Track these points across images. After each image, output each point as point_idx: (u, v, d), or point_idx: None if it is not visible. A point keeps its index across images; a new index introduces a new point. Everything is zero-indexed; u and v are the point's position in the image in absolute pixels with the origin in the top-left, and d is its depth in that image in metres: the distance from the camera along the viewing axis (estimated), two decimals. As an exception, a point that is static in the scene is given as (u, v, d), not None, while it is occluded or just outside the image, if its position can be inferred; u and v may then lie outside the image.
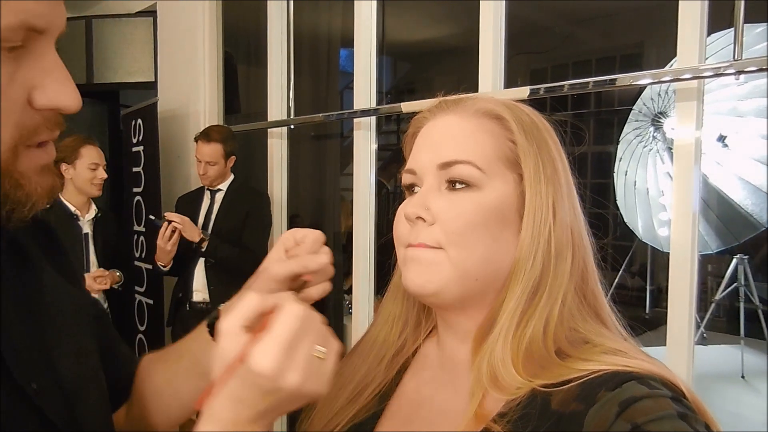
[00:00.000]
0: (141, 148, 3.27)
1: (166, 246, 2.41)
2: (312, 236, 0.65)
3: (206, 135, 2.53)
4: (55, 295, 0.59)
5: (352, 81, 2.43)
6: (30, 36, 0.44)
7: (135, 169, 3.32)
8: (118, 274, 2.66)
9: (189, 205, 2.66)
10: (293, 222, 3.12)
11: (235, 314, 0.48)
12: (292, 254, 0.65)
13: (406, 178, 0.61)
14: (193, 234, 2.42)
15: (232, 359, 0.45)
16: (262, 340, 0.45)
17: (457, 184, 0.57)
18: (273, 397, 0.46)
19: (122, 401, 0.73)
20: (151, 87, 3.50)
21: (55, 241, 0.66)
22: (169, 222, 2.39)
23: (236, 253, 2.47)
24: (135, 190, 3.33)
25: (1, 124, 0.44)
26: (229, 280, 2.49)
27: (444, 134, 0.59)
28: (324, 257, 0.64)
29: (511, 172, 0.57)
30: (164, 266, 2.50)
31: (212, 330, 0.68)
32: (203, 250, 2.45)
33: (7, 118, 0.45)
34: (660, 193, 3.22)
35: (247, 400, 0.46)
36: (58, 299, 0.59)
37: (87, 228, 2.63)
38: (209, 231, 2.56)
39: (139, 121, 3.26)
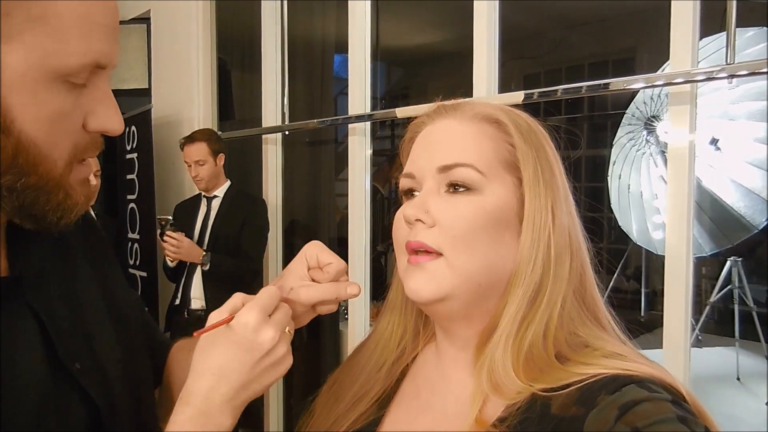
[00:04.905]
0: (135, 155, 3.26)
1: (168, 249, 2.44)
2: (338, 267, 0.66)
3: (189, 137, 2.56)
4: (92, 290, 0.66)
5: (347, 86, 2.44)
6: (93, 71, 0.53)
7: (129, 176, 3.31)
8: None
9: (186, 212, 2.65)
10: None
11: (222, 308, 0.57)
12: (313, 276, 0.66)
13: (404, 183, 0.61)
14: (194, 256, 2.42)
15: (221, 319, 0.53)
16: (246, 305, 0.54)
17: (457, 187, 0.56)
18: (249, 357, 0.53)
19: (156, 384, 0.80)
20: (144, 94, 3.49)
21: (102, 241, 0.74)
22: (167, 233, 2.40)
23: (237, 265, 2.49)
24: (129, 197, 3.32)
25: (62, 143, 0.53)
26: (226, 288, 2.48)
27: (443, 138, 0.59)
28: (357, 290, 0.64)
29: (510, 176, 0.57)
30: (172, 261, 2.52)
31: None
32: (206, 269, 2.45)
33: (68, 138, 0.53)
34: (654, 196, 3.23)
35: (226, 368, 0.53)
36: (94, 293, 0.66)
37: None
38: (206, 239, 2.56)
39: (133, 128, 3.25)
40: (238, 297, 0.57)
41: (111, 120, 0.55)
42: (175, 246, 2.38)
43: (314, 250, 0.67)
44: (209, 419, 0.52)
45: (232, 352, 0.53)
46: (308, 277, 0.66)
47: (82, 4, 0.50)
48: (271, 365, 0.54)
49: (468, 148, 0.57)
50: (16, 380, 0.54)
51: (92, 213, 0.78)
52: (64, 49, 0.49)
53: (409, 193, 0.61)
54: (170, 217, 2.47)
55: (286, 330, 0.55)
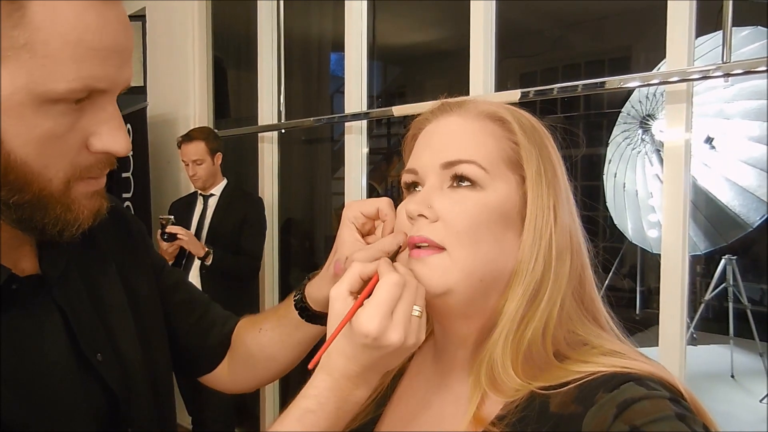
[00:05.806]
0: (130, 153, 3.25)
1: (167, 250, 2.44)
2: (385, 205, 0.65)
3: (187, 135, 2.56)
4: (115, 286, 0.69)
5: (343, 85, 2.43)
6: (93, 93, 0.53)
7: (124, 175, 3.30)
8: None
9: (182, 210, 2.65)
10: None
11: (342, 282, 0.54)
12: (368, 230, 0.67)
13: (406, 177, 0.61)
14: (198, 249, 2.42)
15: (341, 321, 0.52)
16: (366, 305, 0.51)
17: (461, 181, 0.56)
18: (377, 353, 0.52)
19: (220, 358, 0.84)
20: (140, 92, 3.47)
21: (130, 238, 0.76)
22: (173, 237, 2.38)
23: (238, 262, 2.49)
24: (125, 195, 3.30)
25: (57, 164, 0.53)
26: (224, 285, 2.48)
27: (447, 135, 0.59)
28: (399, 237, 0.60)
29: (513, 174, 0.57)
30: (168, 259, 2.50)
31: (298, 306, 0.75)
32: (208, 264, 2.43)
33: (63, 159, 0.54)
34: (649, 194, 3.24)
35: (354, 357, 0.53)
36: (117, 290, 0.69)
37: None
38: (203, 236, 2.55)
39: (129, 126, 3.24)
40: (356, 273, 0.54)
41: (115, 141, 0.56)
42: (182, 233, 2.38)
43: (354, 209, 0.67)
44: (344, 390, 0.54)
45: (359, 350, 0.52)
46: (360, 240, 0.66)
47: (73, 30, 0.49)
48: (401, 352, 0.53)
49: (471, 145, 0.57)
50: (41, 368, 0.59)
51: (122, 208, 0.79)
52: (50, 74, 0.49)
53: (411, 186, 0.61)
54: (171, 217, 2.48)
55: (414, 314, 0.52)
